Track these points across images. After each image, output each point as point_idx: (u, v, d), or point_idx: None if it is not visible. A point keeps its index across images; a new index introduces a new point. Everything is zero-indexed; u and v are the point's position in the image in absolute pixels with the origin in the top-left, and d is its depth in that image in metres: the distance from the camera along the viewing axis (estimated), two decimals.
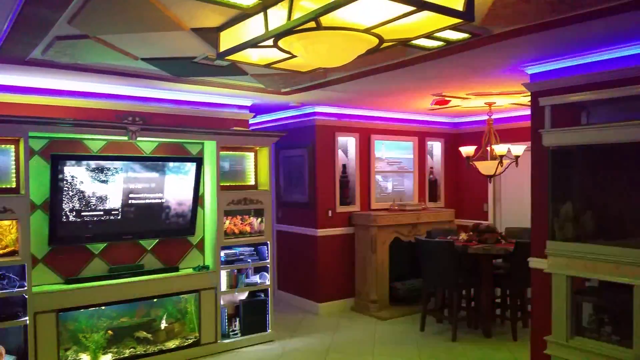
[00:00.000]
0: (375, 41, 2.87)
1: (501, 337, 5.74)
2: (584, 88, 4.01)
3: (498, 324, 6.17)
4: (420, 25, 2.77)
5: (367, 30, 2.71)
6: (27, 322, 4.29)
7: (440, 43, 3.62)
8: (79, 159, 4.58)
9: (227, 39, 3.22)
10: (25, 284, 4.30)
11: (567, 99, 3.86)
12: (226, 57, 3.32)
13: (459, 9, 2.59)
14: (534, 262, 4.54)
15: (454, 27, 2.91)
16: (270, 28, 2.78)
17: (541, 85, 4.49)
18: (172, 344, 5.13)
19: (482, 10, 3.01)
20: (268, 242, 5.76)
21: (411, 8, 2.48)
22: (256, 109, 6.65)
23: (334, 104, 6.46)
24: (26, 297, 4.30)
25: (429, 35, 3.08)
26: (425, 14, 2.58)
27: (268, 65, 3.58)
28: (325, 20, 2.54)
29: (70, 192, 4.54)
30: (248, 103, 6.10)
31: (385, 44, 3.01)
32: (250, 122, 6.36)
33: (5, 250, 4.31)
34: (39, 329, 4.36)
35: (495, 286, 5.93)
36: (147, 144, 5.21)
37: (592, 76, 4.06)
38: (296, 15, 2.59)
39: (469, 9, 2.61)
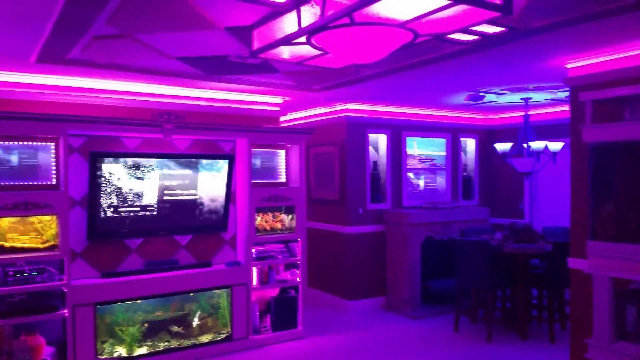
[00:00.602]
0: (409, 36, 2.83)
1: (537, 339, 5.61)
2: (627, 82, 3.88)
3: (534, 326, 6.04)
4: (456, 19, 2.72)
5: (401, 25, 2.68)
6: (66, 314, 4.40)
7: (475, 37, 3.55)
8: (116, 156, 4.68)
9: (260, 37, 3.23)
10: (65, 277, 4.41)
11: (609, 93, 3.73)
12: (259, 55, 3.32)
13: (496, 2, 2.54)
14: (574, 263, 4.42)
15: (490, 21, 2.86)
16: (304, 25, 2.78)
17: (581, 79, 4.37)
18: (205, 339, 5.20)
19: (520, 2, 2.94)
20: (299, 239, 5.77)
21: (447, 1, 2.44)
22: (287, 107, 6.66)
23: (364, 100, 6.43)
24: (65, 290, 4.41)
25: (465, 30, 3.04)
26: (462, 7, 2.54)
27: (301, 63, 3.58)
28: (359, 15, 2.52)
29: (108, 188, 4.64)
30: (279, 100, 6.12)
31: (419, 39, 2.96)
32: (281, 120, 6.37)
33: (45, 245, 4.43)
34: (77, 321, 4.47)
35: (531, 286, 5.80)
36: (180, 141, 5.29)
37: (635, 69, 3.92)
38: (329, 11, 2.58)
39: (506, 2, 2.55)
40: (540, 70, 4.73)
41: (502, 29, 3.42)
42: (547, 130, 6.96)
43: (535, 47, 3.94)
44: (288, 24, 2.93)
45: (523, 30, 3.48)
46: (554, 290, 5.65)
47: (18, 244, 4.33)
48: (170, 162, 4.96)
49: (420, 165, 7.37)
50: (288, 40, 2.91)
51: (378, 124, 6.93)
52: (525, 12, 3.11)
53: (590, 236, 3.81)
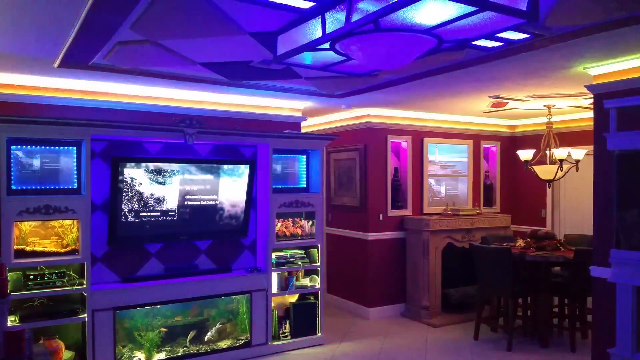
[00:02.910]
0: (434, 42, 2.80)
1: (558, 348, 5.51)
2: None
3: (555, 334, 5.92)
4: (482, 25, 2.68)
5: (426, 32, 2.65)
6: (86, 319, 4.42)
7: (500, 43, 3.50)
8: (138, 160, 4.70)
9: (284, 43, 3.22)
10: (85, 281, 4.43)
11: (634, 100, 3.66)
12: (283, 60, 3.32)
13: (522, 9, 2.50)
14: (597, 271, 4.33)
15: (515, 28, 2.81)
16: (328, 31, 2.76)
17: (605, 86, 4.29)
18: (223, 344, 5.19)
19: (546, 9, 2.89)
20: (319, 245, 5.74)
21: (473, 8, 2.40)
22: (308, 112, 6.65)
23: (386, 106, 6.39)
24: (85, 294, 4.44)
25: (490, 36, 2.99)
26: (488, 13, 2.50)
27: (324, 68, 3.56)
28: (384, 22, 2.49)
29: (129, 193, 4.67)
30: (300, 106, 6.12)
31: (444, 45, 2.93)
32: (302, 125, 6.36)
33: (66, 249, 4.46)
34: (96, 326, 4.48)
35: (552, 295, 5.69)
36: (202, 146, 5.30)
37: None
38: (354, 17, 2.56)
39: (532, 9, 2.51)
40: (564, 77, 4.66)
41: (527, 35, 3.37)
42: (570, 137, 6.86)
43: (559, 54, 3.88)
44: (312, 29, 2.92)
45: (548, 37, 3.43)
46: (575, 298, 5.54)
47: (39, 248, 4.36)
48: (191, 167, 4.98)
49: (441, 172, 7.30)
50: (312, 46, 2.90)
51: (399, 130, 6.88)
52: (550, 19, 3.05)
53: (614, 244, 3.73)
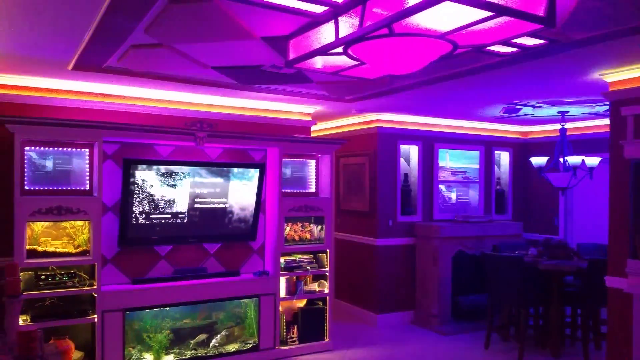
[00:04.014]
0: (449, 47, 2.78)
1: (571, 359, 5.43)
2: None
3: (567, 345, 5.84)
4: (498, 31, 2.65)
5: (441, 36, 2.63)
6: (96, 319, 4.44)
7: (515, 49, 3.47)
8: (149, 163, 4.71)
9: (297, 47, 3.22)
10: (95, 282, 4.45)
11: None
12: (295, 65, 3.31)
13: (539, 15, 2.47)
14: (612, 282, 4.26)
15: (531, 33, 2.78)
16: (341, 35, 2.75)
17: (622, 93, 4.23)
18: (231, 348, 5.18)
19: (563, 15, 2.86)
20: (328, 249, 5.72)
21: (489, 13, 2.38)
22: (318, 117, 6.65)
23: (397, 111, 6.36)
24: (95, 295, 4.45)
25: (505, 42, 2.96)
26: (504, 18, 2.48)
27: (336, 73, 3.55)
28: (398, 26, 2.47)
29: (140, 195, 4.68)
30: (310, 110, 6.11)
31: (458, 50, 2.91)
32: (311, 130, 6.36)
33: (77, 250, 4.49)
34: (106, 326, 4.50)
35: (565, 304, 5.62)
36: (212, 149, 5.31)
37: None
38: (368, 22, 2.54)
39: (549, 15, 2.48)
40: (579, 84, 4.62)
41: (543, 41, 3.34)
42: (583, 145, 6.79)
43: (574, 60, 3.85)
44: (325, 34, 2.91)
45: (564, 43, 3.39)
46: (588, 308, 5.46)
47: (50, 249, 4.39)
48: (202, 170, 4.98)
49: (452, 178, 7.25)
50: (325, 50, 2.89)
51: (410, 135, 6.85)
52: (567, 25, 3.03)
53: (631, 254, 3.67)
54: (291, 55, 3.27)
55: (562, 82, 4.57)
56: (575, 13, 2.85)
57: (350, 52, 2.90)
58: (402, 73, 2.95)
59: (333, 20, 2.78)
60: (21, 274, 4.12)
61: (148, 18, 2.91)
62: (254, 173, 5.25)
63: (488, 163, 7.51)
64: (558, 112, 6.06)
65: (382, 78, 3.78)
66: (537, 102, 5.55)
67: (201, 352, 5.01)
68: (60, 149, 4.46)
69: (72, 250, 4.46)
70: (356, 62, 3.21)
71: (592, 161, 5.75)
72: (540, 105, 5.73)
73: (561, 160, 5.82)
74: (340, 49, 2.91)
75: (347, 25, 2.71)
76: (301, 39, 3.13)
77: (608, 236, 4.38)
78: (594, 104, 5.58)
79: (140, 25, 3.03)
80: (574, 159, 5.67)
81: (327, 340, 5.66)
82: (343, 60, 3.26)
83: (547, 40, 3.32)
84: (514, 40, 3.18)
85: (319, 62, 3.38)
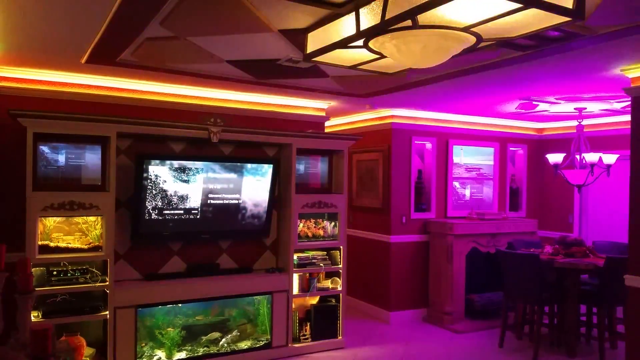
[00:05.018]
0: (472, 40, 2.70)
1: (586, 358, 5.35)
2: None
3: (582, 344, 5.76)
4: (524, 24, 2.57)
5: (466, 29, 2.55)
6: (108, 316, 4.40)
7: (537, 43, 3.38)
8: (163, 158, 4.67)
9: (315, 40, 3.15)
10: (107, 278, 4.42)
11: None
12: (313, 59, 3.24)
13: (568, 7, 2.38)
14: (632, 280, 4.19)
15: (557, 27, 2.70)
16: (362, 27, 2.67)
17: None
18: (244, 345, 5.14)
19: (590, 7, 2.77)
20: (341, 246, 5.66)
21: (518, 5, 2.30)
22: (331, 113, 6.57)
23: (411, 107, 6.28)
24: (107, 291, 4.41)
25: (530, 35, 2.88)
26: (532, 11, 2.40)
27: (354, 67, 3.48)
28: (422, 17, 2.40)
29: (153, 190, 4.63)
30: (324, 106, 6.04)
31: (482, 44, 2.83)
32: (325, 125, 6.29)
33: (89, 246, 4.46)
34: (118, 323, 4.46)
35: (580, 303, 5.53)
36: (225, 145, 5.25)
37: None
38: (391, 13, 2.47)
39: (578, 7, 2.40)
40: (599, 79, 4.53)
41: (566, 34, 3.25)
42: (600, 142, 6.67)
43: (597, 55, 3.76)
44: (345, 26, 2.83)
45: (588, 37, 3.30)
46: (605, 307, 5.37)
47: (62, 244, 4.36)
48: (215, 166, 4.93)
49: (466, 175, 7.16)
50: (345, 43, 2.81)
51: (424, 131, 6.77)
52: (592, 18, 2.94)
53: None
54: (309, 48, 3.20)
55: (581, 77, 4.47)
56: (603, 5, 2.76)
57: (370, 45, 2.83)
58: (424, 67, 2.88)
59: (354, 12, 2.71)
60: (33, 269, 4.10)
61: (165, 9, 2.84)
62: (268, 169, 5.20)
63: (503, 160, 7.42)
64: (575, 109, 5.95)
65: (400, 72, 3.69)
66: (555, 99, 5.45)
67: (213, 349, 4.98)
68: (72, 143, 4.42)
69: (84, 245, 4.43)
70: (377, 56, 3.14)
71: (609, 158, 5.65)
72: (557, 102, 5.63)
73: (578, 157, 5.72)
74: (360, 42, 2.85)
75: (369, 17, 2.64)
76: (320, 31, 3.06)
77: (628, 234, 4.30)
78: (612, 100, 5.48)
79: (156, 17, 2.97)
80: (591, 156, 5.57)
81: (340, 337, 5.61)
82: (362, 54, 3.18)
83: (571, 34, 3.22)
84: (538, 34, 3.09)
85: (338, 55, 3.31)
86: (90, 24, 3.16)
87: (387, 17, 2.46)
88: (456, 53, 2.79)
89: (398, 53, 2.69)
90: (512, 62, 3.84)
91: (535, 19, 2.49)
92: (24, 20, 3.13)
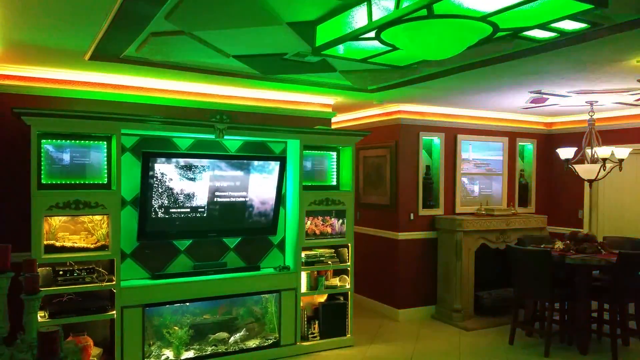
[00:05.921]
0: (489, 30, 2.62)
1: (598, 355, 5.27)
2: None
3: (594, 340, 5.68)
4: (544, 13, 2.49)
5: (482, 18, 2.47)
6: (115, 315, 4.35)
7: (553, 34, 3.29)
8: (169, 156, 4.60)
9: (324, 33, 3.07)
10: (114, 278, 4.36)
11: None
12: (322, 52, 3.16)
13: None
14: None
15: (574, 16, 2.61)
16: (375, 18, 2.59)
17: None
18: (252, 343, 5.07)
19: None
20: (349, 244, 5.58)
21: None
22: (338, 108, 6.49)
23: (419, 102, 6.19)
24: (114, 291, 4.36)
25: (547, 25, 2.79)
26: None
27: (364, 60, 3.40)
28: (438, 7, 2.32)
29: (159, 189, 4.57)
30: (331, 102, 5.96)
31: (498, 34, 2.74)
32: (331, 121, 6.21)
33: (95, 245, 4.40)
34: (125, 322, 4.41)
35: (592, 299, 5.45)
36: (231, 142, 5.18)
37: None
38: (405, 3, 2.39)
39: None
40: (612, 72, 4.42)
41: (583, 25, 3.15)
42: (611, 135, 6.57)
43: (613, 46, 3.65)
44: (357, 17, 2.75)
45: (606, 27, 3.20)
46: (617, 303, 5.28)
47: (68, 244, 4.31)
48: (221, 164, 4.86)
49: (475, 170, 7.07)
50: (356, 35, 2.74)
51: (432, 126, 6.68)
52: (614, 6, 2.84)
53: None
54: (318, 42, 3.12)
55: (594, 70, 4.37)
56: None
57: (383, 36, 2.75)
58: (438, 59, 2.79)
59: (366, 2, 2.62)
60: (39, 269, 4.04)
61: (170, 3, 2.77)
62: (274, 166, 5.13)
63: (512, 154, 7.32)
64: (586, 102, 5.86)
65: (410, 66, 3.61)
66: (566, 92, 5.35)
67: (221, 348, 4.92)
68: (77, 141, 4.35)
69: (90, 245, 4.37)
70: (389, 48, 3.05)
71: (622, 152, 5.55)
72: (568, 95, 5.53)
73: (589, 151, 5.63)
74: (372, 34, 2.76)
75: (380, 7, 2.56)
76: (330, 23, 2.98)
77: None
78: (624, 93, 5.38)
79: (161, 11, 2.90)
80: (603, 150, 5.48)
81: (349, 335, 5.55)
82: (374, 46, 3.10)
83: (589, 24, 3.12)
84: (553, 25, 3.00)
85: (347, 49, 3.23)
86: (94, 18, 3.08)
87: (401, 7, 2.38)
88: (471, 44, 2.71)
89: (412, 44, 2.61)
90: (527, 54, 3.74)
91: (556, 6, 2.40)
92: (25, 14, 3.06)
